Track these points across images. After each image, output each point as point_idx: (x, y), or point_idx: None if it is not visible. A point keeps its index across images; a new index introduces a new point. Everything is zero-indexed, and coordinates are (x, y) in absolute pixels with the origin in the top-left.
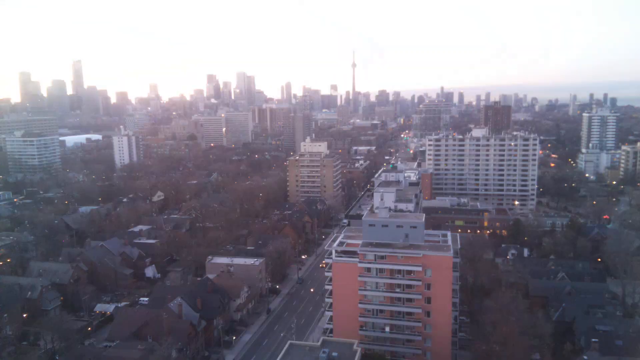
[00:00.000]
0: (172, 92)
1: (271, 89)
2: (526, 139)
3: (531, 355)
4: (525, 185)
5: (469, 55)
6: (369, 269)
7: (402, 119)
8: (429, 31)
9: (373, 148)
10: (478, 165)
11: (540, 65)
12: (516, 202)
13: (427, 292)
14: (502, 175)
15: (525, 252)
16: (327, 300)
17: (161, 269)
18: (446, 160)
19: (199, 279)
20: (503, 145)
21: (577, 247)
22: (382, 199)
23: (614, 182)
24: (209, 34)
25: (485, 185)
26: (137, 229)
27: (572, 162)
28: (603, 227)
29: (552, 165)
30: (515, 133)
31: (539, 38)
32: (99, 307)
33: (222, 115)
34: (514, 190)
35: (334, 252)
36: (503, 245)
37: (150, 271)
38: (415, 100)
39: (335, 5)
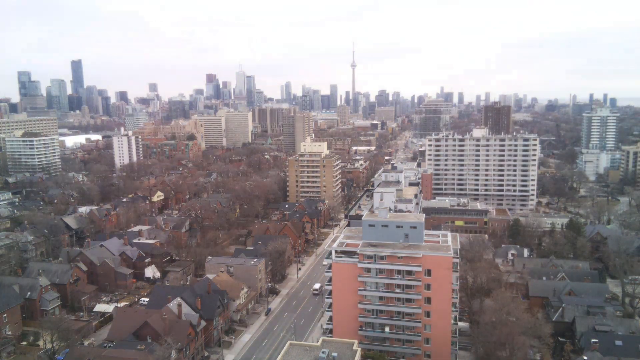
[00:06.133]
0: (172, 92)
1: (271, 89)
2: (526, 139)
3: (531, 356)
4: (525, 186)
5: (469, 55)
6: (368, 269)
7: (402, 119)
8: (429, 30)
9: (373, 148)
10: (478, 165)
11: (541, 65)
12: (516, 203)
13: (426, 293)
14: (502, 175)
15: (525, 252)
16: (326, 300)
17: (161, 269)
18: (446, 160)
19: (198, 279)
20: (503, 145)
21: (577, 247)
22: (382, 199)
23: (614, 183)
24: (208, 33)
25: (485, 185)
26: (136, 229)
27: (571, 162)
28: (603, 228)
29: (552, 165)
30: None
31: (538, 38)
32: (99, 307)
33: (222, 115)
34: (514, 191)
35: (333, 252)
36: (503, 245)
37: (150, 271)
38: (415, 100)
39: (335, 5)
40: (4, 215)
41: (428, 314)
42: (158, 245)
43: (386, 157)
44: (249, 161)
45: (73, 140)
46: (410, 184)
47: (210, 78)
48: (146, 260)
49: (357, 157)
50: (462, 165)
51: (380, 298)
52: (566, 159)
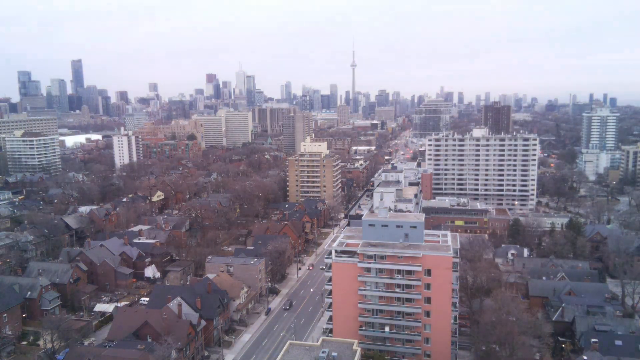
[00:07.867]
0: (172, 92)
1: (271, 89)
2: (526, 139)
3: (531, 355)
4: (525, 185)
5: (469, 54)
6: (368, 269)
7: (402, 119)
8: (429, 30)
9: (373, 148)
10: (478, 165)
11: (541, 65)
12: (516, 202)
13: (426, 292)
14: (502, 175)
15: (525, 252)
16: (326, 300)
17: (161, 269)
18: (446, 160)
19: (198, 279)
20: (503, 145)
21: (576, 247)
22: (382, 199)
23: (614, 182)
24: (208, 33)
25: (485, 185)
26: (136, 228)
27: (571, 162)
28: (603, 227)
29: (552, 165)
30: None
31: (537, 37)
32: (99, 307)
33: (222, 115)
34: (514, 190)
35: (333, 252)
36: (503, 245)
37: (150, 271)
38: (415, 100)
39: (335, 4)
40: (4, 215)
41: (428, 314)
42: (158, 245)
43: (386, 157)
44: (249, 161)
45: (73, 140)
46: (410, 184)
47: (211, 78)
48: (146, 260)
49: (357, 157)
50: (462, 165)
51: (380, 298)
52: (566, 159)
